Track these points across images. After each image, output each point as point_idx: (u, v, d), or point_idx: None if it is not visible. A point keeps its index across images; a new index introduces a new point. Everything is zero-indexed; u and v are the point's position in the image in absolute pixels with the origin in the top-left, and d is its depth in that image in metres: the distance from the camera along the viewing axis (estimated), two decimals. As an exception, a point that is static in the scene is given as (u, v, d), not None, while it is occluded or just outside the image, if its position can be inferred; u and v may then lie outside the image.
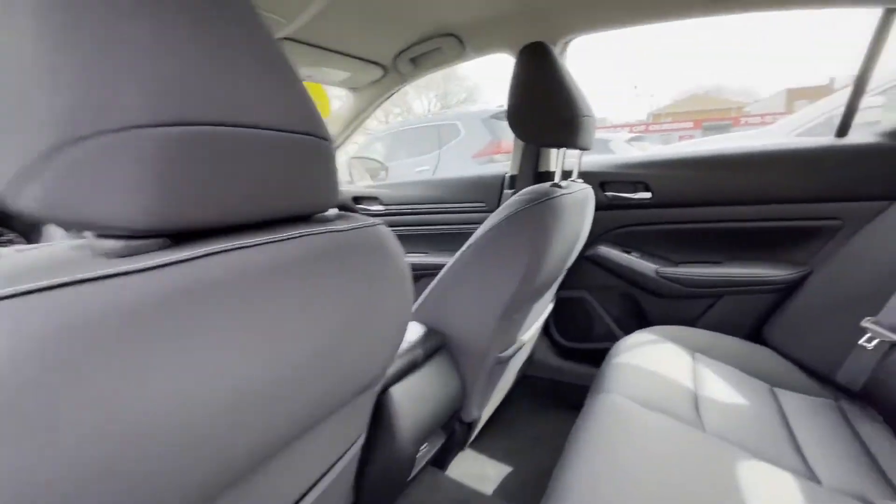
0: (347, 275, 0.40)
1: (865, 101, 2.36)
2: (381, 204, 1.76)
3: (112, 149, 0.25)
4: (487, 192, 1.56)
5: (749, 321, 1.21)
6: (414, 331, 0.90)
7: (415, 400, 0.79)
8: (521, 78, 0.88)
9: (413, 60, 1.35)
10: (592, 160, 1.40)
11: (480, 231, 0.89)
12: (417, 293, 0.94)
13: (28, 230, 1.07)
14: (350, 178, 1.98)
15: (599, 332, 1.44)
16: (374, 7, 1.10)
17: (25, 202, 0.25)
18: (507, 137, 4.44)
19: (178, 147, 0.26)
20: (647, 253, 1.35)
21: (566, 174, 1.34)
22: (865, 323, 0.93)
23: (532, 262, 0.84)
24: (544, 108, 0.86)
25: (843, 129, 1.13)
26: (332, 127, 1.70)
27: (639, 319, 1.38)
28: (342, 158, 1.97)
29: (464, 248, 0.91)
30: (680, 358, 1.02)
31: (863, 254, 1.03)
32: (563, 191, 0.91)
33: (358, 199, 1.81)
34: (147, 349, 0.25)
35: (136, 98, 0.25)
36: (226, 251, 0.29)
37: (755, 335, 1.20)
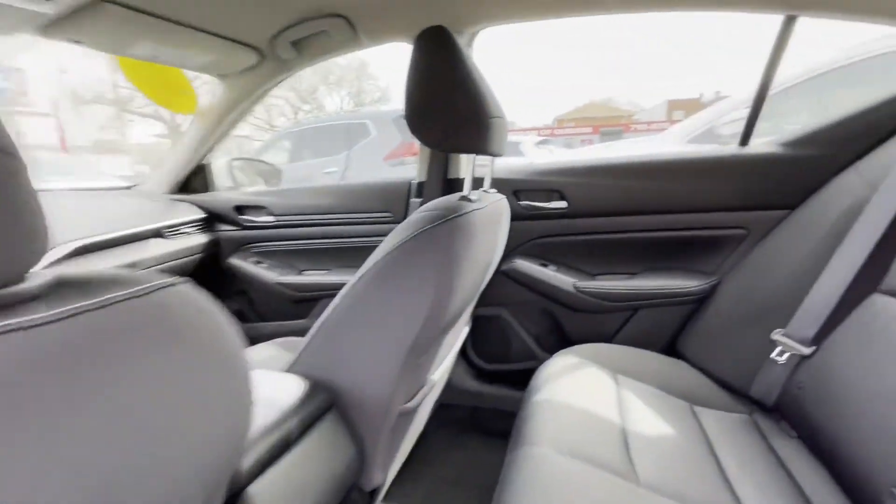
0: (129, 366, 0.21)
1: (735, 114, 2.58)
2: (271, 214, 1.49)
3: None
4: (393, 201, 1.38)
5: (665, 334, 1.18)
6: (290, 390, 0.69)
7: (289, 493, 0.58)
8: (418, 71, 0.71)
9: (296, 45, 1.12)
10: (505, 166, 1.28)
11: (375, 257, 0.71)
12: (318, 316, 0.79)
13: None
14: (233, 182, 1.68)
15: (519, 352, 1.33)
16: None
17: None
18: (420, 139, 4.31)
19: None
20: (564, 265, 1.27)
21: (477, 182, 1.21)
22: (775, 336, 0.91)
23: (440, 291, 0.68)
24: (447, 108, 0.70)
25: (745, 138, 1.13)
26: (202, 122, 1.40)
27: (559, 336, 1.30)
28: (221, 160, 1.66)
29: (354, 279, 0.72)
30: (603, 385, 0.94)
31: (768, 263, 1.02)
32: (474, 205, 0.76)
33: (242, 209, 1.53)
34: None
35: None
36: None
37: (671, 348, 1.16)
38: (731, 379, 0.99)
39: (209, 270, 1.51)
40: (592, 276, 1.26)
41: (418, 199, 1.28)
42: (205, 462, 0.32)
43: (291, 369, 0.75)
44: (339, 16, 1.05)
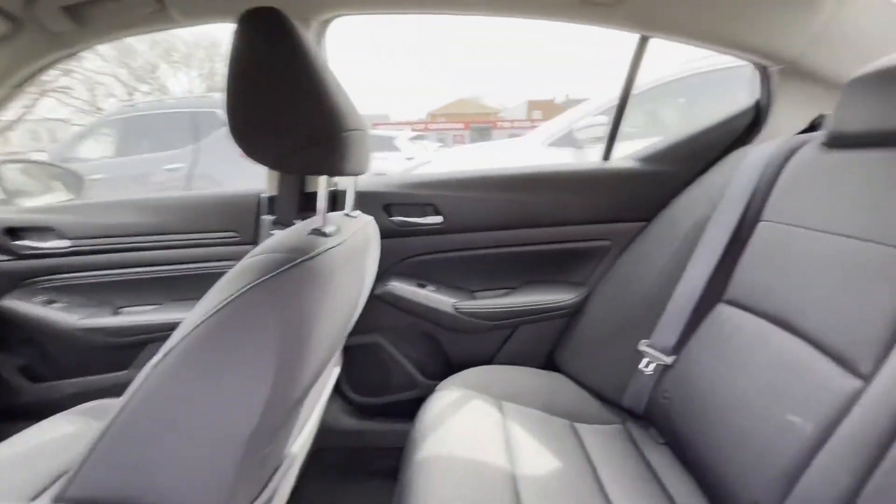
0: None
1: (590, 119, 2.82)
2: (63, 237, 1.12)
3: None
4: (239, 218, 1.13)
5: (545, 348, 1.17)
6: None
7: None
8: (243, 67, 0.52)
9: (72, 13, 0.81)
10: (374, 179, 1.14)
11: (193, 322, 0.51)
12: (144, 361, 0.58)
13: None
14: (2, 193, 1.23)
15: (400, 382, 1.21)
16: None
17: None
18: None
19: None
20: (442, 284, 1.19)
21: (335, 195, 1.05)
22: (641, 346, 0.94)
23: (287, 360, 0.52)
24: (286, 118, 0.53)
25: (607, 153, 1.17)
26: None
27: (441, 360, 1.21)
28: (-16, 163, 1.21)
29: (161, 355, 0.51)
30: (490, 420, 0.88)
31: (630, 274, 1.06)
32: (332, 241, 0.61)
33: (16, 232, 1.12)
34: None
35: None
36: None
37: (551, 361, 1.16)
38: (604, 390, 1.00)
39: None
40: (472, 293, 1.20)
41: (270, 217, 1.07)
42: None
43: (63, 495, 0.52)
44: None
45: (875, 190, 0.62)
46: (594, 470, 0.81)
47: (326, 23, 0.95)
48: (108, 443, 0.51)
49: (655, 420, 0.90)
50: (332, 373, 0.98)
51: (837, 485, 0.51)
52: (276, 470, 0.67)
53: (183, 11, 0.85)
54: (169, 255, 1.15)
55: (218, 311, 0.49)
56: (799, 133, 0.94)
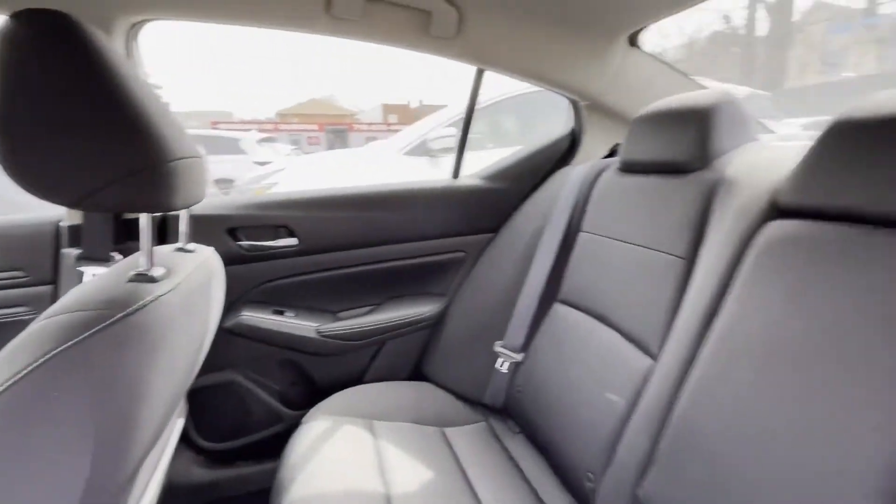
0: None
1: (442, 131, 2.99)
2: None
3: None
4: (30, 253, 0.91)
5: (412, 360, 1.21)
6: None
7: None
8: (21, 84, 0.42)
9: None
10: (215, 201, 1.03)
11: (30, 363, 0.39)
12: None
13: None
14: None
15: (262, 418, 1.12)
16: None
17: None
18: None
19: None
20: (302, 308, 1.13)
21: (164, 220, 0.92)
22: (496, 347, 1.04)
23: (111, 432, 0.44)
24: (89, 146, 0.45)
25: (456, 172, 1.25)
26: None
27: (306, 388, 1.15)
28: None
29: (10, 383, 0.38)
30: (361, 444, 0.87)
31: (484, 282, 1.16)
32: (162, 287, 0.53)
33: None
34: None
35: None
36: None
37: (418, 371, 1.20)
38: (468, 392, 1.08)
39: None
40: (335, 314, 1.16)
41: (72, 251, 0.88)
42: None
43: None
44: None
45: (655, 210, 0.79)
46: (463, 471, 0.86)
47: (136, 27, 0.82)
48: None
49: (513, 412, 1.00)
50: (176, 424, 0.85)
51: (640, 448, 0.65)
52: None
53: None
54: None
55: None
56: (604, 157, 1.15)
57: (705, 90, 0.78)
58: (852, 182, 0.50)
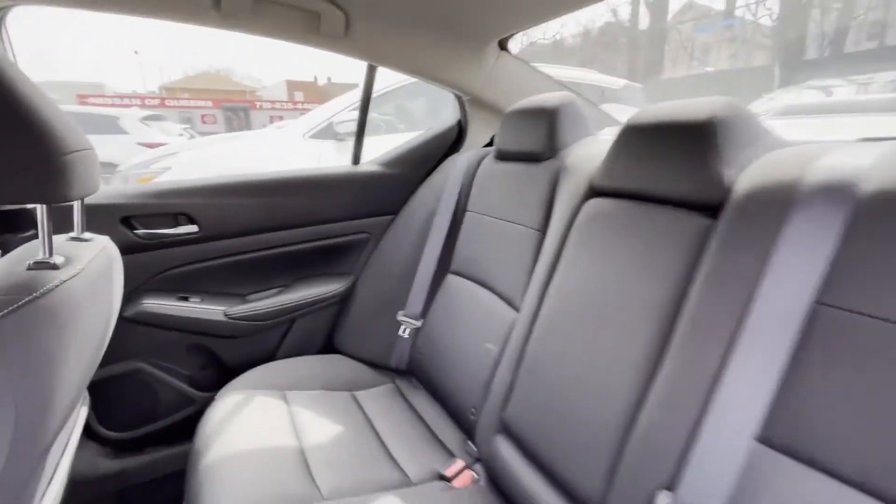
0: None
1: (349, 114, 3.00)
2: None
3: None
4: None
5: (322, 335, 1.29)
6: None
7: None
8: None
9: None
10: (109, 190, 1.01)
11: None
12: None
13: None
14: None
15: (170, 403, 1.14)
16: None
17: None
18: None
19: None
20: (209, 293, 1.16)
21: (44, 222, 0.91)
22: (399, 317, 1.17)
23: (29, 406, 0.49)
24: None
25: (356, 159, 1.34)
26: None
27: (217, 370, 1.19)
28: None
29: None
30: (275, 411, 0.95)
31: (387, 259, 1.28)
32: (66, 273, 0.57)
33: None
34: None
35: None
36: None
37: (330, 346, 1.29)
38: (376, 358, 1.20)
39: None
40: (243, 297, 1.21)
41: None
42: None
43: None
44: None
45: (520, 191, 0.96)
46: (371, 425, 0.99)
47: (4, 10, 0.78)
48: None
49: (415, 372, 1.14)
50: (79, 415, 0.86)
51: (505, 382, 0.82)
52: None
53: None
54: None
55: None
56: (484, 146, 1.31)
57: (555, 93, 0.95)
58: (638, 170, 0.70)
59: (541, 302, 0.80)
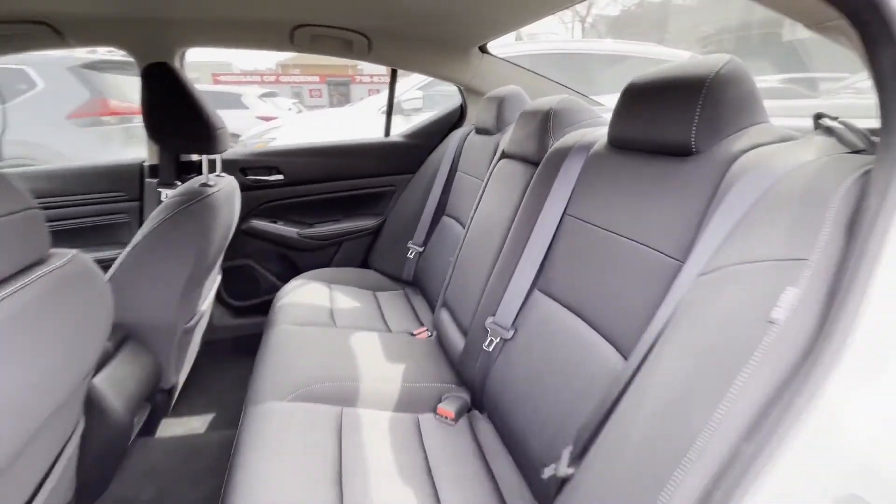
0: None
1: (412, 93, 3.53)
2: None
3: None
4: (126, 182, 1.55)
5: (360, 255, 1.87)
6: None
7: (116, 383, 0.94)
8: (151, 98, 1.05)
9: (-11, 40, 1.17)
10: (233, 150, 1.66)
11: (144, 231, 1.05)
12: None
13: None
14: None
15: (265, 287, 1.80)
16: None
17: None
18: (117, 95, 3.78)
19: None
20: (289, 220, 1.79)
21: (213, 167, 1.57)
22: (409, 244, 1.70)
23: (199, 251, 1.10)
24: (180, 125, 1.08)
25: (387, 132, 1.87)
26: None
27: (293, 270, 1.83)
28: None
29: (129, 248, 1.04)
30: (321, 291, 1.54)
31: (406, 204, 1.80)
32: (213, 189, 1.17)
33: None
34: None
35: None
36: None
37: (365, 263, 1.87)
38: (394, 272, 1.75)
39: None
40: (311, 225, 1.82)
41: (153, 180, 1.52)
42: (90, 354, 0.69)
43: None
44: (41, 23, 1.17)
45: (485, 156, 1.41)
46: (381, 310, 1.52)
47: (184, 53, 1.42)
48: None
49: (418, 284, 1.67)
50: (216, 280, 1.53)
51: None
52: (195, 315, 1.24)
53: (79, 39, 1.25)
54: (71, 211, 1.52)
55: (159, 224, 1.04)
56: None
57: (549, 98, 1.11)
58: None
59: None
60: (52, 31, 1.19)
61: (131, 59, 1.35)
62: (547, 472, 0.65)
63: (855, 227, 0.42)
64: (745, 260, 0.48)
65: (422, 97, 3.40)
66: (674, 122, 0.66)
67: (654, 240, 0.68)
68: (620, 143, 0.81)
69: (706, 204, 0.60)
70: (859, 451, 0.39)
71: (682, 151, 0.66)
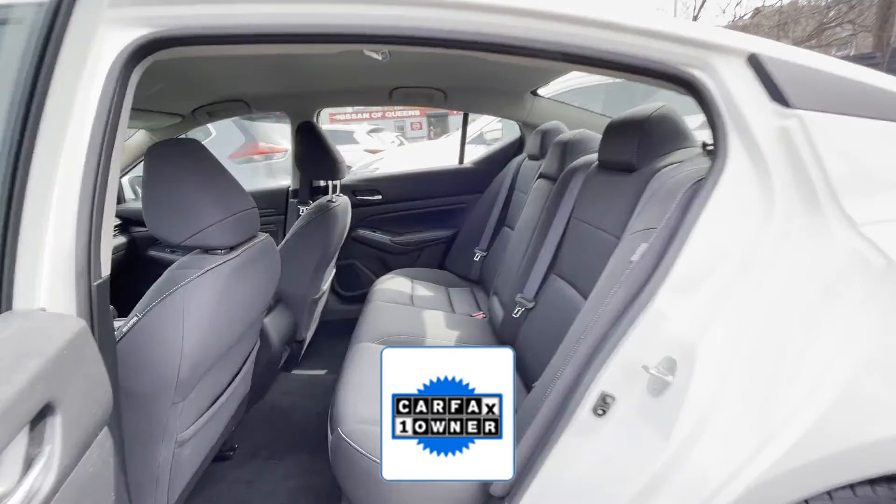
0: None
1: (493, 125, 4.01)
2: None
3: None
4: (276, 201, 2.21)
5: (438, 259, 2.32)
6: None
7: (274, 325, 1.47)
8: (300, 143, 1.62)
9: (209, 114, 1.87)
10: (348, 177, 2.25)
11: (292, 231, 1.60)
12: None
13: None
14: (135, 195, 2.24)
15: (366, 282, 2.33)
16: (185, 77, 1.59)
17: None
18: (264, 139, 4.83)
19: None
20: (385, 230, 2.31)
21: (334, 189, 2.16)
22: (475, 250, 2.10)
23: (324, 246, 1.62)
24: (317, 160, 1.64)
25: (461, 160, 2.32)
26: (123, 157, 1.98)
27: (385, 268, 2.34)
28: (125, 178, 2.21)
29: (283, 242, 1.60)
30: (405, 283, 2.01)
31: (474, 219, 2.22)
32: (334, 205, 1.71)
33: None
34: None
35: None
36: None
37: (441, 265, 2.31)
38: (464, 272, 2.16)
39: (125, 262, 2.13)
40: (401, 234, 2.32)
41: (295, 200, 2.15)
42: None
43: None
44: (240, 101, 1.84)
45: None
46: (449, 296, 1.95)
47: (320, 112, 2.04)
48: None
49: (482, 282, 2.06)
50: (332, 272, 2.08)
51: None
52: (319, 292, 1.78)
53: (259, 108, 1.91)
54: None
55: (301, 227, 1.59)
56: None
57: (570, 132, 1.63)
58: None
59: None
60: (244, 104, 1.86)
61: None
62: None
63: (687, 209, 0.73)
64: (632, 231, 0.81)
65: (501, 128, 3.86)
66: (625, 148, 0.99)
67: (611, 228, 1.00)
68: (602, 164, 1.14)
69: (635, 201, 0.92)
70: (673, 332, 0.69)
71: (629, 168, 0.99)
